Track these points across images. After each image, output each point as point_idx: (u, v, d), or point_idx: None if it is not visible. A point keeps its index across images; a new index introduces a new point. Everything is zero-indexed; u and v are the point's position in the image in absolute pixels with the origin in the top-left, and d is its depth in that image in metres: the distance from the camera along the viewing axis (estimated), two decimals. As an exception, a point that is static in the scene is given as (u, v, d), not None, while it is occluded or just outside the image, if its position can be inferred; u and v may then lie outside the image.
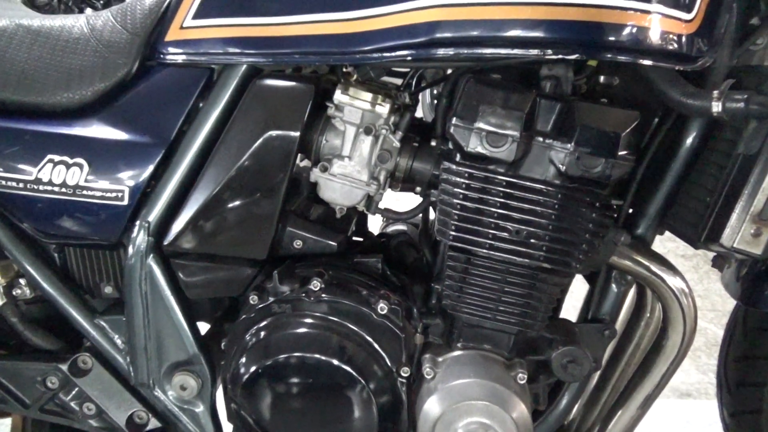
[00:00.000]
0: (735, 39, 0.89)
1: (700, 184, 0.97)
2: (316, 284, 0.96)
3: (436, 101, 1.07)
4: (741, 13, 0.88)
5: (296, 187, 1.09)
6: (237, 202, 0.98)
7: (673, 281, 1.01)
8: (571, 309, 1.13)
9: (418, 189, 1.04)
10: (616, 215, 0.97)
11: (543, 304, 0.95)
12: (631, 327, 1.13)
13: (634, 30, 0.83)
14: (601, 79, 1.01)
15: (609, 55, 0.84)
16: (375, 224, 1.39)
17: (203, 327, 1.18)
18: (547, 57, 0.85)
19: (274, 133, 0.97)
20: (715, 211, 0.91)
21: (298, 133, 0.95)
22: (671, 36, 0.83)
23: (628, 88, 1.02)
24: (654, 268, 0.99)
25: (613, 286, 1.05)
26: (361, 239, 1.23)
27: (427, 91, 1.37)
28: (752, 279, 1.02)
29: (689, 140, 0.97)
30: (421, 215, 1.13)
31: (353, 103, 0.97)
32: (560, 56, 0.85)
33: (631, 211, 1.03)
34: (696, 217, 0.95)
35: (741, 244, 0.87)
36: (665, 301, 1.03)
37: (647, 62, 0.85)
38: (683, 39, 0.84)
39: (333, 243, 1.02)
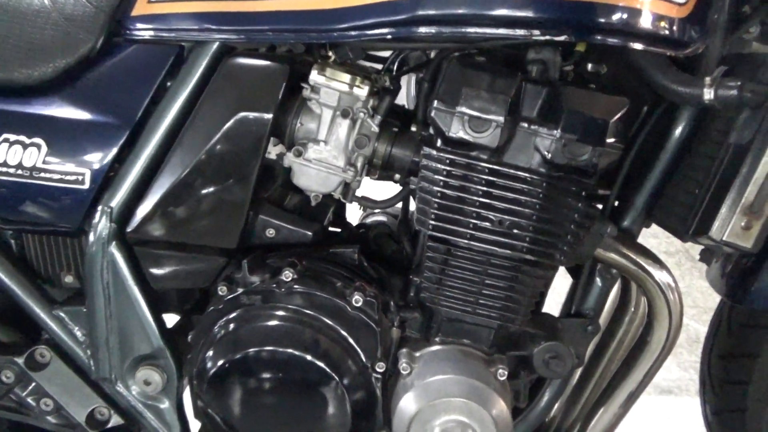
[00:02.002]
0: (727, 26, 0.86)
1: (689, 175, 0.93)
2: (288, 275, 0.92)
3: (417, 86, 1.02)
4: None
5: (270, 174, 1.03)
6: (205, 188, 0.93)
7: (660, 275, 0.98)
8: (553, 305, 1.09)
9: (397, 177, 1.00)
10: (602, 206, 0.93)
11: (525, 298, 0.91)
12: (615, 322, 1.10)
13: (625, 12, 0.79)
14: (589, 66, 0.97)
15: (599, 38, 0.80)
16: (354, 215, 1.34)
17: (172, 319, 1.13)
18: (534, 38, 0.81)
19: (245, 115, 0.91)
20: (705, 203, 0.87)
21: (271, 116, 0.90)
22: (663, 20, 0.80)
23: (617, 76, 0.98)
24: (641, 261, 0.96)
25: (598, 280, 1.01)
26: (338, 230, 1.19)
27: (411, 80, 1.32)
28: (738, 275, 0.99)
29: (679, 130, 0.94)
30: (400, 206, 1.09)
31: (330, 85, 0.92)
32: (547, 37, 0.81)
33: (617, 202, 1.00)
34: (684, 210, 0.91)
35: (731, 237, 0.84)
36: (651, 296, 1.00)
37: (638, 46, 0.81)
38: (675, 23, 0.80)
39: (308, 232, 0.98)
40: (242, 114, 0.91)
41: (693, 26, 0.82)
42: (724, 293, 1.07)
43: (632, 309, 1.09)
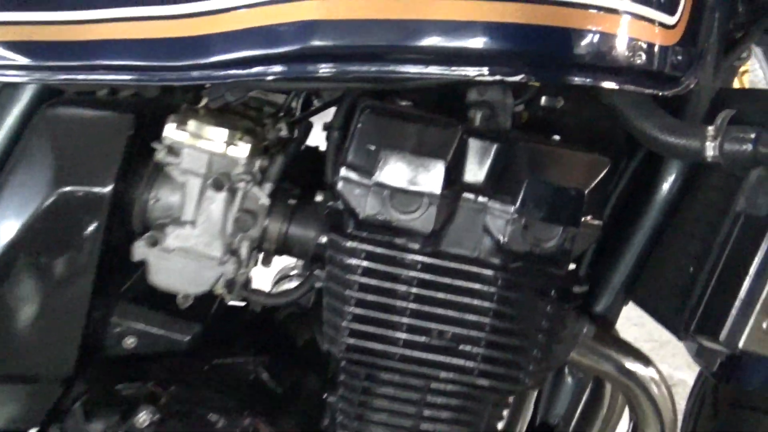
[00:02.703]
0: (718, 52, 0.66)
1: (680, 247, 0.72)
2: (144, 417, 0.63)
3: (326, 134, 0.76)
4: (723, 17, 0.65)
5: (124, 260, 0.74)
6: (21, 292, 0.64)
7: (644, 372, 0.76)
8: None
9: (300, 264, 0.73)
10: (575, 298, 0.70)
11: None
12: (587, 425, 0.87)
13: (601, 39, 0.57)
14: (542, 100, 0.74)
15: (569, 77, 0.57)
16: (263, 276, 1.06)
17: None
18: (478, 78, 0.56)
19: (70, 189, 0.63)
20: (708, 294, 0.65)
21: (109, 189, 0.62)
22: (648, 48, 0.59)
23: (577, 112, 0.76)
24: (621, 360, 0.73)
25: (568, 380, 0.78)
26: (241, 303, 0.90)
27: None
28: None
29: (665, 186, 0.73)
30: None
31: (196, 144, 0.65)
32: (498, 77, 0.56)
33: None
34: (677, 295, 0.70)
35: (750, 344, 0.62)
36: (634, 398, 0.78)
37: (619, 86, 0.59)
38: (665, 52, 0.61)
39: (183, 337, 0.76)
40: (65, 189, 0.63)
41: (684, 55, 0.62)
42: (713, 371, 0.87)
43: (604, 409, 0.86)
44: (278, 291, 0.76)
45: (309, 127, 0.84)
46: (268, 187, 0.69)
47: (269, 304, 0.75)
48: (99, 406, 0.67)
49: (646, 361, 0.76)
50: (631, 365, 0.74)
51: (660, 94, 0.62)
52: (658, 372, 0.78)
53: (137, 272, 0.78)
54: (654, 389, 0.78)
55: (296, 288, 0.73)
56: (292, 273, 1.02)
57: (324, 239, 0.69)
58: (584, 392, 0.82)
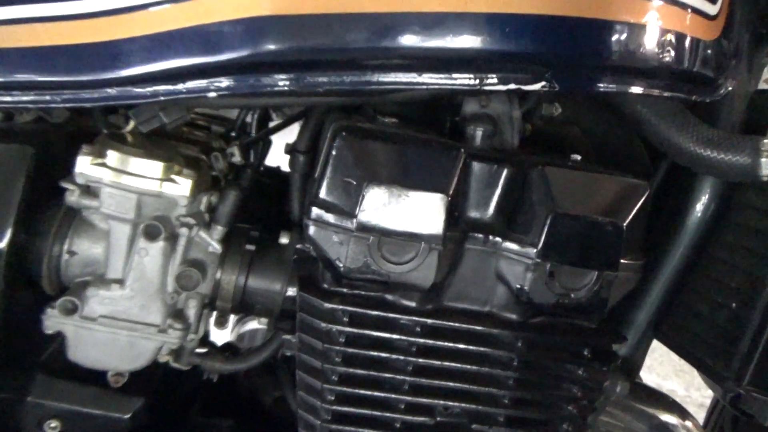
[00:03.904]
0: (751, 49, 0.55)
1: (717, 280, 0.61)
2: None
3: (289, 159, 0.63)
4: (750, 8, 0.55)
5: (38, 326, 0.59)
6: None
7: (682, 427, 0.64)
8: None
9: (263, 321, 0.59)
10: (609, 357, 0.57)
11: None
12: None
13: (634, 33, 0.45)
14: (542, 109, 0.62)
15: (597, 83, 0.45)
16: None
17: None
18: (487, 88, 0.43)
19: None
20: (765, 340, 0.54)
21: (4, 243, 0.47)
22: (687, 43, 0.47)
23: (579, 120, 0.64)
24: (661, 419, 0.61)
25: (590, 437, 0.66)
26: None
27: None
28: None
29: (698, 208, 0.61)
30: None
31: (120, 182, 0.50)
32: (511, 86, 0.43)
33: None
34: (717, 337, 0.59)
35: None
36: None
37: (652, 92, 0.47)
38: (704, 49, 0.49)
39: (123, 416, 0.62)
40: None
41: (724, 53, 0.52)
42: (735, 406, 0.77)
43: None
44: (238, 357, 0.62)
45: (267, 147, 0.69)
46: (218, 230, 0.55)
47: (228, 372, 0.61)
48: None
49: (682, 412, 0.65)
50: (669, 419, 0.62)
51: (696, 100, 0.51)
52: (695, 422, 0.67)
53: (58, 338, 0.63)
54: None
55: (260, 349, 0.59)
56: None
57: (293, 291, 0.55)
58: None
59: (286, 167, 0.69)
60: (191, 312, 0.55)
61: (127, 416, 0.63)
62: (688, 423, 0.68)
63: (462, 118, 0.54)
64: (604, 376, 0.50)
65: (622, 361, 0.65)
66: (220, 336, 0.73)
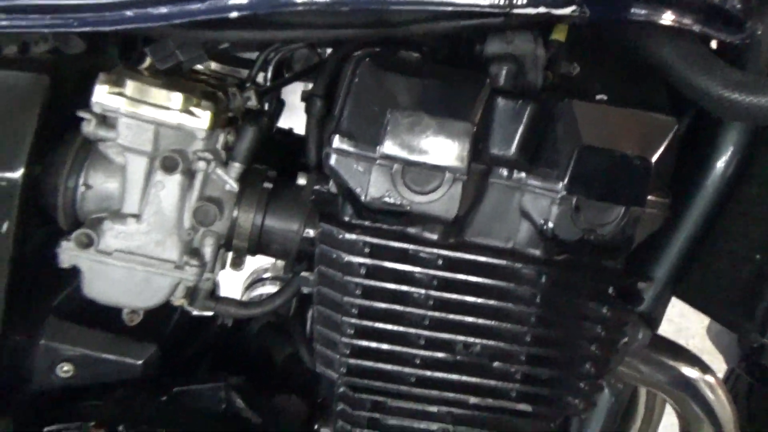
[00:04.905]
0: None
1: (741, 233, 0.60)
2: (80, 473, 0.48)
3: (306, 105, 0.62)
4: None
5: (53, 267, 0.58)
6: None
7: (703, 381, 0.64)
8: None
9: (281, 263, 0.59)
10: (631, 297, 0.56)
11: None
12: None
13: None
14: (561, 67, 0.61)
15: (626, 11, 0.44)
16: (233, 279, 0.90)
17: None
18: (516, 11, 0.42)
19: None
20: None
21: (18, 175, 0.46)
22: None
23: (597, 79, 0.63)
24: (681, 371, 0.61)
25: (605, 394, 0.65)
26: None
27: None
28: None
29: (721, 160, 0.60)
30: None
31: (137, 112, 0.49)
32: (540, 9, 0.43)
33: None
34: (740, 290, 0.58)
35: None
36: (688, 407, 0.67)
37: (686, 24, 0.46)
38: None
39: (135, 362, 0.62)
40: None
41: None
42: (751, 373, 0.76)
43: (638, 422, 0.75)
44: (253, 299, 0.61)
45: (281, 106, 0.69)
46: (236, 168, 0.54)
47: (242, 317, 0.60)
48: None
49: (703, 366, 0.64)
50: (689, 372, 0.62)
51: (726, 40, 0.50)
52: (715, 377, 0.67)
53: (72, 282, 0.62)
54: (711, 396, 0.67)
55: (276, 295, 0.58)
56: (266, 276, 0.87)
57: (311, 232, 0.54)
58: (622, 408, 0.70)
59: (297, 130, 0.68)
60: (208, 250, 0.54)
61: (140, 362, 0.63)
62: (709, 377, 0.67)
63: (486, 57, 0.53)
64: (628, 316, 0.50)
65: (642, 317, 0.65)
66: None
